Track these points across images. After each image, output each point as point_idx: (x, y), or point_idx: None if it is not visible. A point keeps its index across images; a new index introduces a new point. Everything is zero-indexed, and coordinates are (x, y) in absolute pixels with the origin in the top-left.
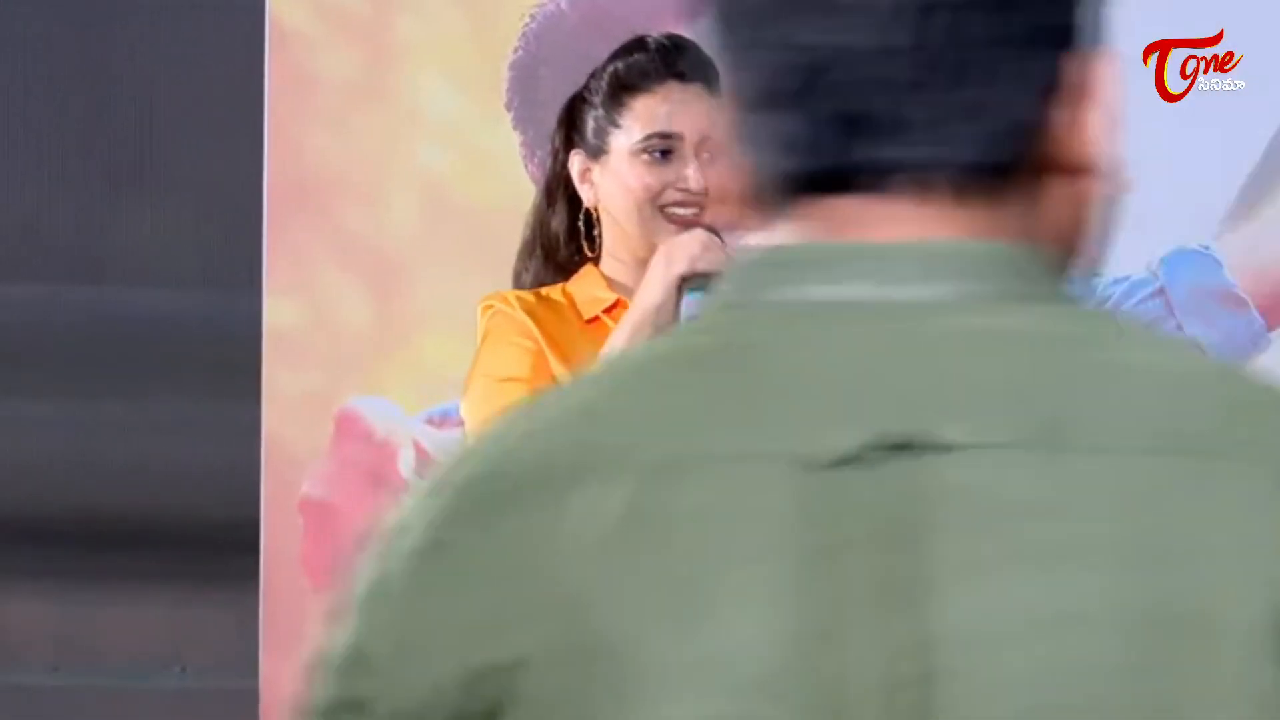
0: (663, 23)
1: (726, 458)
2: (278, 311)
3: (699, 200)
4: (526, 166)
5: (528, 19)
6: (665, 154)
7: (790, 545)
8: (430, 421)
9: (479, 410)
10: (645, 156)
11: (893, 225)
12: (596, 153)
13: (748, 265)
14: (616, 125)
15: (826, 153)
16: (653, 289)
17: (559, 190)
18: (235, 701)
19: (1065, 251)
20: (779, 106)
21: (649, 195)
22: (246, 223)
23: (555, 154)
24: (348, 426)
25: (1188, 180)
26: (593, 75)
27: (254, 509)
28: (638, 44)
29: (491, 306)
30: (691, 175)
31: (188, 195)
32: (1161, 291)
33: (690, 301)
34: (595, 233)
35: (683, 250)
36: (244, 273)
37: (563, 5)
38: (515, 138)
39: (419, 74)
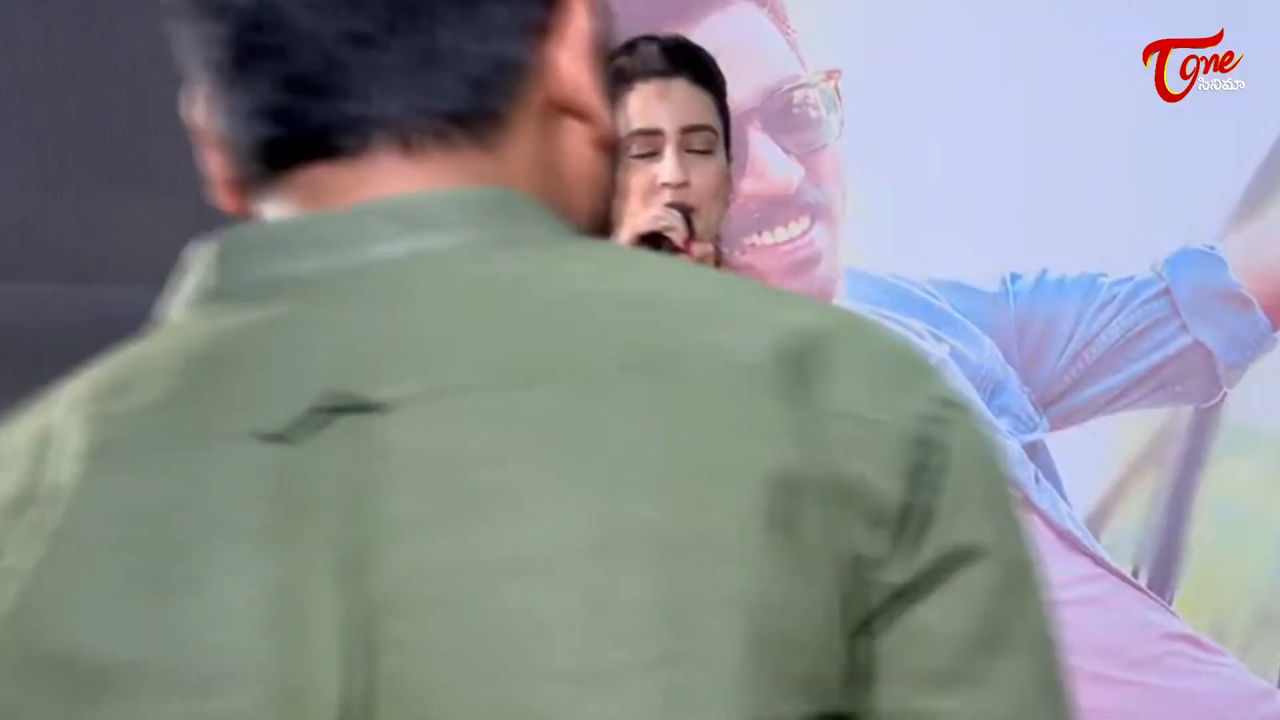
0: (668, 23)
1: (188, 445)
2: None
3: (680, 189)
4: None
5: None
6: (650, 153)
7: (255, 525)
8: None
9: None
10: (631, 157)
11: (366, 186)
12: None
13: (221, 250)
14: None
15: (288, 118)
16: None
17: None
18: None
19: (570, 196)
20: (238, 75)
21: (640, 195)
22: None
23: None
24: None
25: (1191, 181)
26: None
27: None
28: (627, 47)
29: None
30: (667, 167)
31: (188, 195)
32: (1166, 291)
33: None
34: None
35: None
36: None
37: None
38: None
39: None
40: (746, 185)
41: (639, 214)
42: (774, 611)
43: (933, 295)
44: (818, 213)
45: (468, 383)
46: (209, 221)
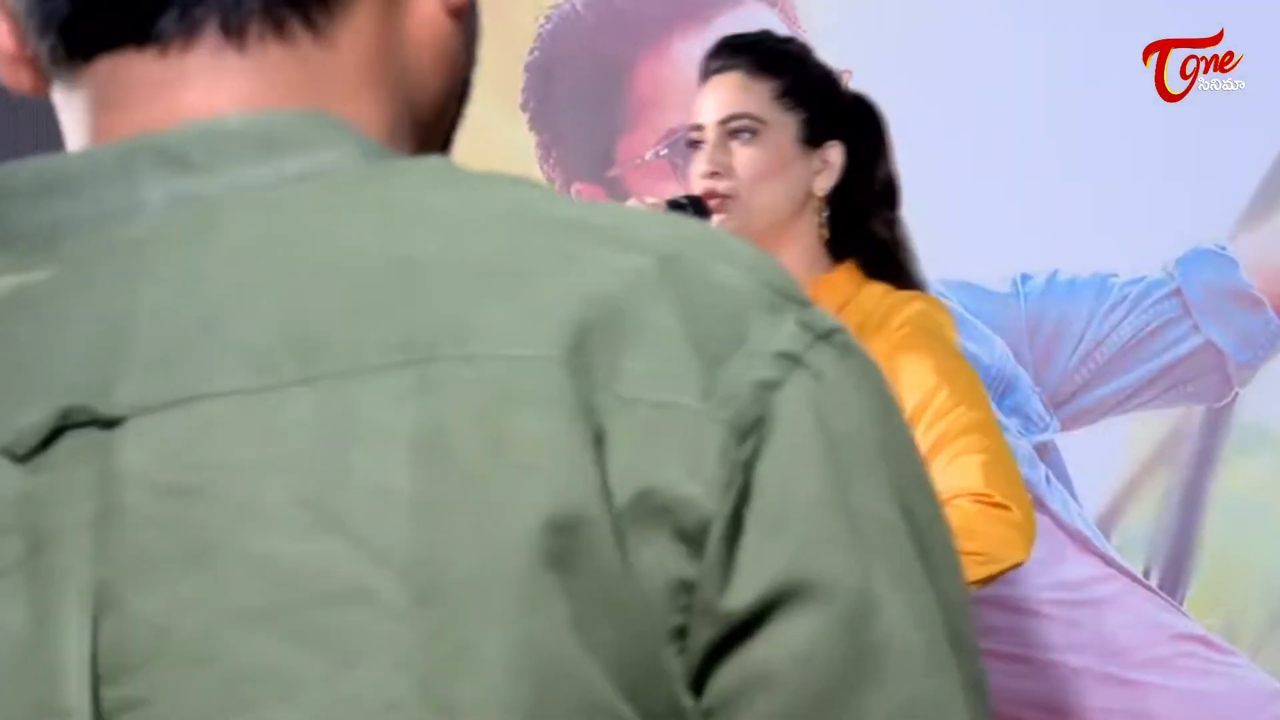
0: (680, 22)
1: None
2: None
3: (711, 178)
4: (542, 166)
5: (543, 20)
6: (697, 144)
7: (3, 560)
8: None
9: None
10: (691, 151)
11: (175, 88)
12: None
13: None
14: None
15: None
16: None
17: None
18: None
19: (421, 69)
20: None
21: (692, 184)
22: None
23: None
24: None
25: (1202, 181)
26: None
27: None
28: (707, 55)
29: None
30: (699, 158)
31: None
32: (1178, 292)
33: None
34: None
35: None
36: None
37: (578, 6)
38: (531, 138)
39: None
40: None
41: None
42: (558, 671)
43: (944, 295)
44: None
45: (213, 386)
46: None
